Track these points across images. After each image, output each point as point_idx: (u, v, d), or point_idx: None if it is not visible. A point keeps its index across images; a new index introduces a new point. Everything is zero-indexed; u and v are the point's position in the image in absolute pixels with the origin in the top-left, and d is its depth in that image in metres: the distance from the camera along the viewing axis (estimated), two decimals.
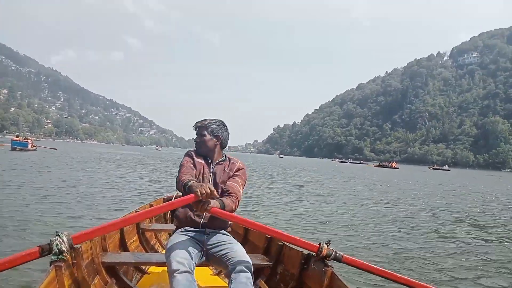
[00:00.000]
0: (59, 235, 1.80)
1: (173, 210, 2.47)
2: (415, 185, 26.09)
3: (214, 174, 2.47)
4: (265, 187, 16.31)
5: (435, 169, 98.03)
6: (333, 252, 2.12)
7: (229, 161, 2.57)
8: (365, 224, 8.50)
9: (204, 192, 1.98)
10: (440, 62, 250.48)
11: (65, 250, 1.80)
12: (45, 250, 1.76)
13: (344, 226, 8.08)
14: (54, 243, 1.77)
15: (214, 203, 2.10)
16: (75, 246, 1.92)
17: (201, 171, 2.45)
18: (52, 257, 1.80)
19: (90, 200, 9.31)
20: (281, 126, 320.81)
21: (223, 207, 2.19)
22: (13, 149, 35.00)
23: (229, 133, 2.63)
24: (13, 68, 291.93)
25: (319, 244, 2.13)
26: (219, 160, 2.54)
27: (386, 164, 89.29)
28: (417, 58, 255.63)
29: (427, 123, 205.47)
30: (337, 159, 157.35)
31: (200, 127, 2.54)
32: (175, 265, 2.01)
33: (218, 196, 2.26)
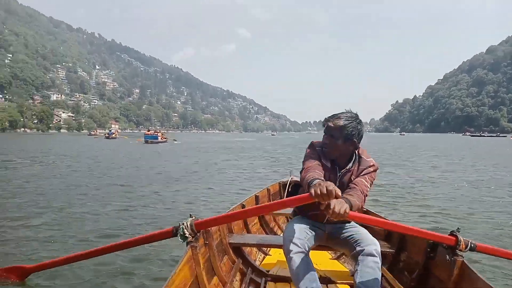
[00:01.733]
0: (184, 221, 2.06)
1: (292, 195, 2.37)
2: None
3: (342, 183, 2.13)
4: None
5: None
6: (469, 243, 1.98)
7: (359, 163, 2.16)
8: (496, 212, 6.83)
9: (319, 193, 1.65)
10: None
11: (188, 234, 2.05)
12: (175, 231, 2.07)
13: (471, 213, 6.66)
14: (181, 227, 2.05)
15: (344, 205, 1.75)
16: (207, 229, 2.20)
17: (326, 176, 2.08)
18: (180, 239, 2.06)
19: (213, 185, 9.83)
20: (400, 101, 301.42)
21: (351, 208, 1.85)
22: (146, 142, 39.92)
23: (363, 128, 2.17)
24: (141, 69, 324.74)
25: (455, 236, 1.98)
26: (349, 166, 2.15)
27: None
28: None
29: None
30: (468, 133, 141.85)
31: (332, 128, 2.09)
32: (289, 245, 1.98)
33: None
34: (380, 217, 2.59)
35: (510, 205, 7.43)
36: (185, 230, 2.03)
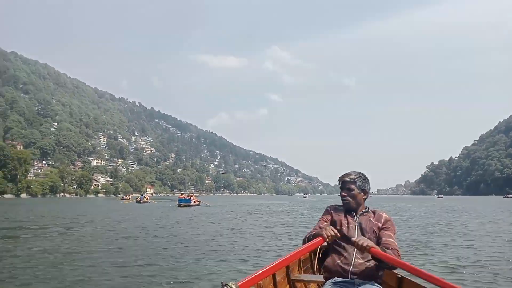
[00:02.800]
0: (228, 285, 1.91)
1: (322, 261, 2.57)
2: None
3: (360, 224, 2.52)
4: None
5: None
6: None
7: (374, 213, 2.59)
8: None
9: (329, 234, 2.30)
10: None
11: None
12: None
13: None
14: None
15: (368, 241, 2.25)
16: None
17: (345, 223, 2.53)
18: None
19: (242, 251, 10.09)
20: (435, 163, 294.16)
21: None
22: (179, 205, 41.04)
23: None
24: (178, 134, 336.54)
25: None
26: (363, 211, 2.58)
27: None
28: None
29: None
30: (510, 195, 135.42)
31: (348, 182, 2.56)
32: None
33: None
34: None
35: None
36: None
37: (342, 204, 2.64)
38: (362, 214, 2.57)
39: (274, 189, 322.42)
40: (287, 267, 3.87)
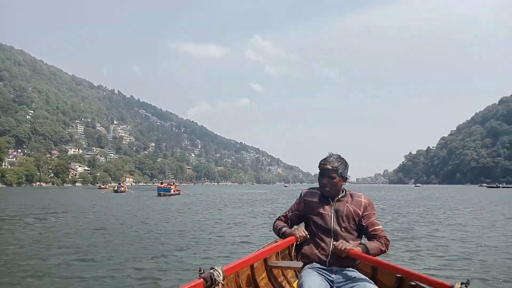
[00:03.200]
0: (215, 268, 1.92)
1: (299, 248, 2.55)
2: None
3: (336, 211, 2.44)
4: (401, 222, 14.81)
5: None
6: None
7: (351, 196, 2.51)
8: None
9: (301, 235, 2.40)
10: None
11: (222, 282, 1.92)
12: (208, 282, 1.89)
13: (485, 263, 7.19)
14: (214, 275, 1.90)
15: (355, 247, 2.27)
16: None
17: (321, 211, 2.46)
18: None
19: (221, 239, 10.06)
20: (413, 152, 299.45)
21: (366, 251, 2.27)
22: (159, 194, 40.17)
23: None
24: (158, 123, 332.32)
25: (452, 285, 1.95)
26: (340, 197, 2.49)
27: None
28: None
29: None
30: (485, 184, 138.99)
31: (330, 170, 2.44)
32: None
33: (342, 233, 2.39)
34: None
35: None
36: (219, 278, 1.90)
37: (316, 188, 2.58)
38: (339, 200, 2.48)
39: (255, 179, 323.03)
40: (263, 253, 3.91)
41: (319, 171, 2.49)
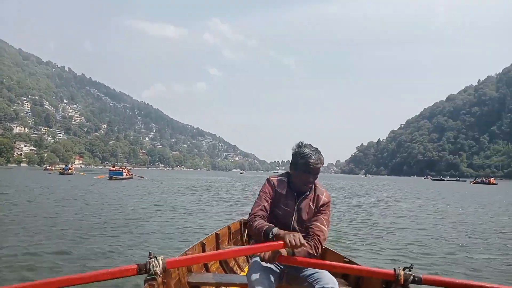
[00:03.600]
0: (156, 258, 1.87)
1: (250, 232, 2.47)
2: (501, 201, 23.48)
3: (299, 210, 2.34)
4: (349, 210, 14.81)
5: None
6: (411, 277, 1.97)
7: (315, 193, 2.40)
8: (443, 243, 8.30)
9: (294, 243, 1.98)
10: None
11: (159, 272, 1.87)
12: (142, 269, 1.85)
13: (424, 247, 7.77)
14: (151, 264, 1.85)
15: (299, 253, 2.10)
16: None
17: (284, 204, 2.34)
18: (147, 277, 1.91)
19: (174, 223, 9.93)
20: (365, 144, 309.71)
21: (307, 256, 2.18)
22: (110, 178, 38.67)
23: None
24: (110, 104, 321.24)
25: (394, 270, 2.00)
26: (306, 193, 2.38)
27: (484, 180, 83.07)
28: None
29: None
30: (430, 177, 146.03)
31: (318, 169, 2.31)
32: (256, 287, 2.03)
33: (299, 230, 2.29)
34: (336, 253, 2.62)
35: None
36: (155, 268, 1.84)
37: (284, 176, 2.45)
38: (305, 197, 2.37)
39: (211, 165, 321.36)
40: (217, 239, 4.03)
41: (303, 165, 2.29)
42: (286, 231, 2.10)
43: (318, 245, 2.24)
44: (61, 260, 5.74)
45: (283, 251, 2.08)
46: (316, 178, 2.35)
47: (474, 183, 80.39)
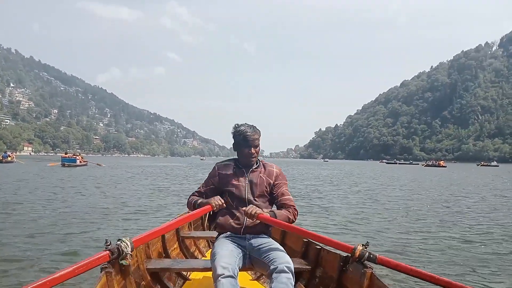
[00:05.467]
0: (122, 240, 1.86)
1: (214, 218, 2.61)
2: (447, 182, 25.69)
3: (251, 181, 2.52)
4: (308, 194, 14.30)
5: (484, 165, 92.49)
6: (367, 253, 2.10)
7: (264, 166, 2.60)
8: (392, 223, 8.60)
9: (217, 203, 2.36)
10: (490, 52, 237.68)
11: (130, 253, 1.87)
12: (115, 253, 1.83)
13: (378, 227, 7.95)
14: (122, 246, 1.84)
15: (257, 209, 2.32)
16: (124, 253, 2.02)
17: (235, 182, 2.51)
18: (121, 261, 1.89)
19: (132, 211, 9.63)
20: (323, 129, 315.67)
21: (274, 217, 2.35)
22: (63, 165, 36.67)
23: None
24: (61, 88, 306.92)
25: (353, 245, 2.14)
26: (254, 167, 2.56)
27: (434, 163, 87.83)
28: (464, 50, 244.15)
29: (480, 117, 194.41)
30: (385, 161, 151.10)
31: (257, 139, 2.53)
32: (219, 270, 2.06)
33: (255, 202, 2.46)
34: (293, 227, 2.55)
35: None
36: (126, 249, 1.85)
37: (230, 160, 2.66)
38: (253, 170, 2.55)
39: (169, 151, 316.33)
40: (177, 224, 3.99)
41: (242, 141, 2.50)
42: (205, 200, 2.48)
43: (295, 212, 2.47)
44: (16, 269, 4.59)
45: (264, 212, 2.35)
46: (257, 151, 2.53)
47: (425, 165, 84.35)
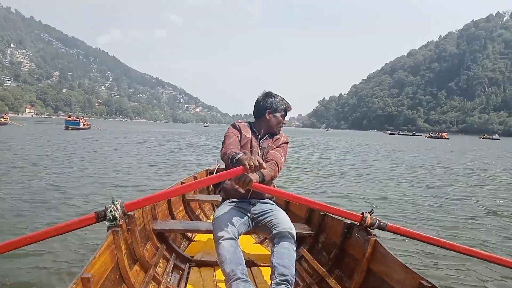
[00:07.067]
0: (113, 203, 1.88)
1: (219, 183, 2.58)
2: (448, 154, 25.89)
3: (263, 148, 2.49)
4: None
5: (486, 138, 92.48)
6: (377, 221, 2.12)
7: (275, 135, 2.59)
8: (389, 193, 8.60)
9: (253, 164, 1.96)
10: (500, 22, 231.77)
11: (119, 217, 1.89)
12: (101, 216, 1.86)
13: (378, 197, 7.89)
14: (109, 210, 1.87)
15: (254, 177, 2.12)
16: (128, 213, 2.08)
17: (250, 145, 2.47)
18: (107, 223, 1.91)
19: (139, 173, 9.76)
20: (327, 98, 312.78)
21: (262, 178, 2.21)
22: (66, 128, 36.60)
23: None
24: (63, 50, 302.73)
25: (362, 213, 2.14)
26: (267, 135, 2.54)
27: (437, 135, 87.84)
28: (474, 20, 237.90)
29: (486, 89, 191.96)
30: (388, 131, 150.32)
31: (288, 109, 2.58)
32: (220, 232, 2.09)
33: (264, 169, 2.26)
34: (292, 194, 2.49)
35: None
36: (114, 212, 1.88)
37: (246, 123, 2.59)
38: (266, 138, 2.52)
39: (171, 117, 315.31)
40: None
41: (281, 111, 2.51)
42: (246, 156, 2.12)
43: (275, 167, 2.38)
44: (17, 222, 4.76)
45: (255, 177, 2.11)
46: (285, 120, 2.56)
47: (428, 137, 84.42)
